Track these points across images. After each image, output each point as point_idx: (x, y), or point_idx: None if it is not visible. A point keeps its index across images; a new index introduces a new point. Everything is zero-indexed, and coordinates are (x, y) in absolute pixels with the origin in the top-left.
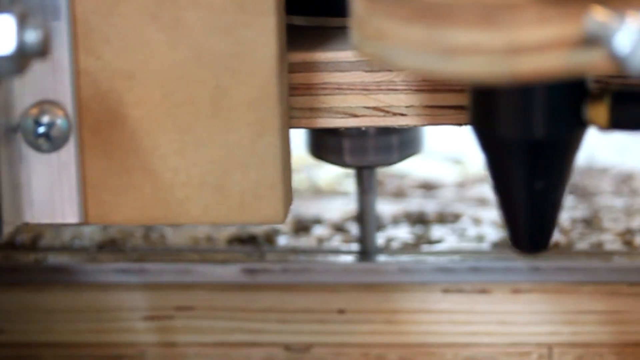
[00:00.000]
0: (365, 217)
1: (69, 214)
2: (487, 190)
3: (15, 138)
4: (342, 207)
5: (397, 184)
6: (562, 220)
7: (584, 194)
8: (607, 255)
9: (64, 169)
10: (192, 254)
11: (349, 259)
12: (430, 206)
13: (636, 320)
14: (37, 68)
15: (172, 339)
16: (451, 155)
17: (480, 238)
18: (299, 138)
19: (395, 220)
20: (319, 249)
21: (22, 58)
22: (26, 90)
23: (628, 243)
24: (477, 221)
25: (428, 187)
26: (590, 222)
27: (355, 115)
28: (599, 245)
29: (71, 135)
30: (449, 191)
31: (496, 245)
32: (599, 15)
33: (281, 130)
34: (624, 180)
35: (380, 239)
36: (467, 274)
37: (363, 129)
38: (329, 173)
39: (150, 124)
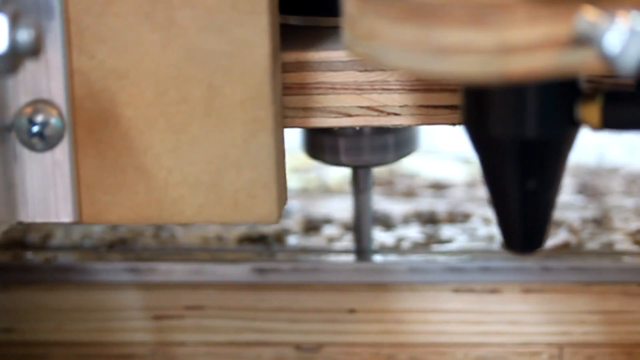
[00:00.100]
0: (361, 217)
1: (63, 213)
2: None
3: (9, 137)
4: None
5: (407, 183)
6: (572, 220)
7: (594, 194)
8: (618, 255)
9: (58, 168)
10: (202, 253)
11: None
12: (440, 206)
13: None
14: (31, 67)
15: (182, 339)
16: (461, 155)
17: (490, 238)
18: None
19: (406, 220)
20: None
21: (15, 57)
22: (20, 90)
23: (638, 243)
24: (487, 221)
25: (438, 187)
26: (601, 222)
27: (349, 115)
28: (610, 245)
29: (65, 134)
30: (459, 191)
31: None
32: (589, 15)
33: (275, 130)
34: (634, 180)
35: (390, 238)
36: (478, 274)
37: (357, 128)
38: (339, 172)
39: (144, 123)
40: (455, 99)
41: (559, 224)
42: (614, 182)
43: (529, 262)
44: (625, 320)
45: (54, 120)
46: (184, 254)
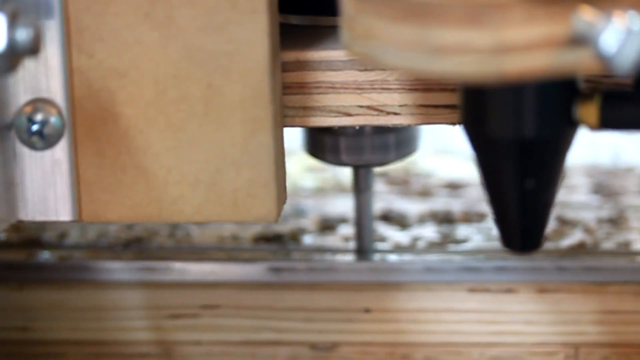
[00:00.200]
0: (362, 216)
1: (63, 212)
2: None
3: (9, 136)
4: None
5: (423, 183)
6: (588, 220)
7: (610, 194)
8: (633, 255)
9: (58, 167)
10: (217, 252)
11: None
12: (456, 205)
13: None
14: (31, 66)
15: (198, 338)
16: None
17: None
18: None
19: (421, 220)
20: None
21: (13, 56)
22: (20, 89)
23: None
24: None
25: (454, 187)
26: (616, 222)
27: (349, 114)
28: (625, 245)
29: (65, 133)
30: (474, 190)
31: None
32: (586, 15)
33: (274, 129)
34: None
35: (405, 238)
36: (493, 274)
37: (357, 127)
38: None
39: (143, 122)
40: (455, 99)
41: (575, 224)
42: (630, 182)
43: (545, 262)
44: None
45: (53, 119)
46: (200, 253)
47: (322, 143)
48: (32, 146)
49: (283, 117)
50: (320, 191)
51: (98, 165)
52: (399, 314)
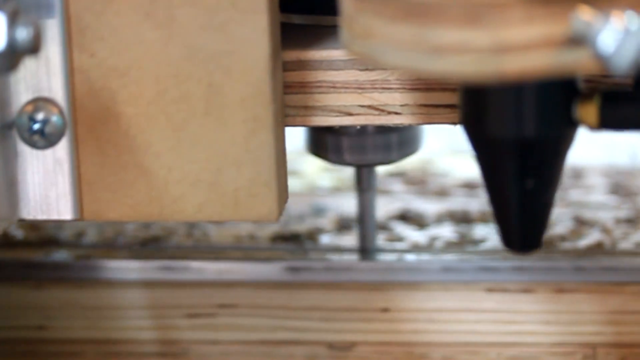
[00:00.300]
0: (364, 216)
1: (64, 211)
2: None
3: (10, 135)
4: (385, 205)
5: (440, 183)
6: (605, 220)
7: (627, 194)
8: None
9: (59, 166)
10: (235, 251)
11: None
12: (473, 205)
13: None
14: (32, 65)
15: (215, 337)
16: None
17: None
18: None
19: (439, 219)
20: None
21: (13, 55)
22: (21, 88)
23: None
24: None
25: (471, 186)
26: (634, 222)
27: (350, 114)
28: None
29: (66, 132)
30: None
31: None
32: (584, 15)
33: (275, 128)
34: None
35: (423, 237)
36: (511, 274)
37: (358, 127)
38: None
39: (144, 121)
40: (455, 98)
41: (592, 224)
42: None
43: (562, 262)
44: None
45: (54, 118)
46: (217, 252)
47: (324, 143)
48: (34, 145)
49: (284, 117)
50: (337, 191)
51: (99, 164)
52: (416, 314)
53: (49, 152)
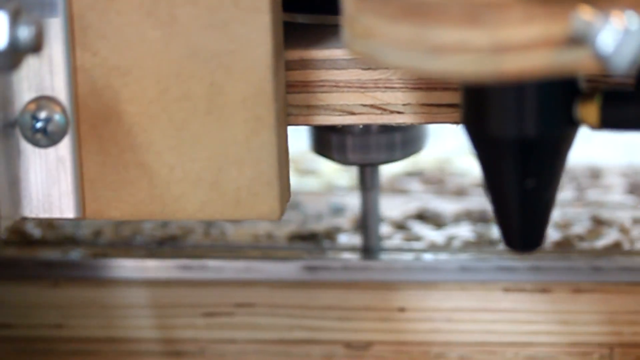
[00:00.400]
0: (368, 215)
1: (67, 209)
2: None
3: (13, 133)
4: (403, 205)
5: (457, 182)
6: (623, 220)
7: None
8: None
9: (62, 164)
10: (252, 250)
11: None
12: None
13: None
14: (35, 64)
15: (232, 336)
16: None
17: None
18: None
19: (457, 219)
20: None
21: (15, 54)
22: (24, 86)
23: None
24: None
25: None
26: None
27: (353, 113)
28: None
29: (68, 130)
30: None
31: (557, 245)
32: (584, 15)
33: (277, 128)
34: None
35: (441, 237)
36: (528, 273)
37: (361, 126)
38: (389, 171)
39: (146, 120)
40: (458, 98)
41: (610, 224)
42: None
43: (580, 261)
44: None
45: (57, 117)
46: (235, 251)
47: (328, 142)
48: (36, 143)
49: (287, 116)
50: (354, 190)
51: (101, 163)
52: (433, 313)
53: (51, 151)
